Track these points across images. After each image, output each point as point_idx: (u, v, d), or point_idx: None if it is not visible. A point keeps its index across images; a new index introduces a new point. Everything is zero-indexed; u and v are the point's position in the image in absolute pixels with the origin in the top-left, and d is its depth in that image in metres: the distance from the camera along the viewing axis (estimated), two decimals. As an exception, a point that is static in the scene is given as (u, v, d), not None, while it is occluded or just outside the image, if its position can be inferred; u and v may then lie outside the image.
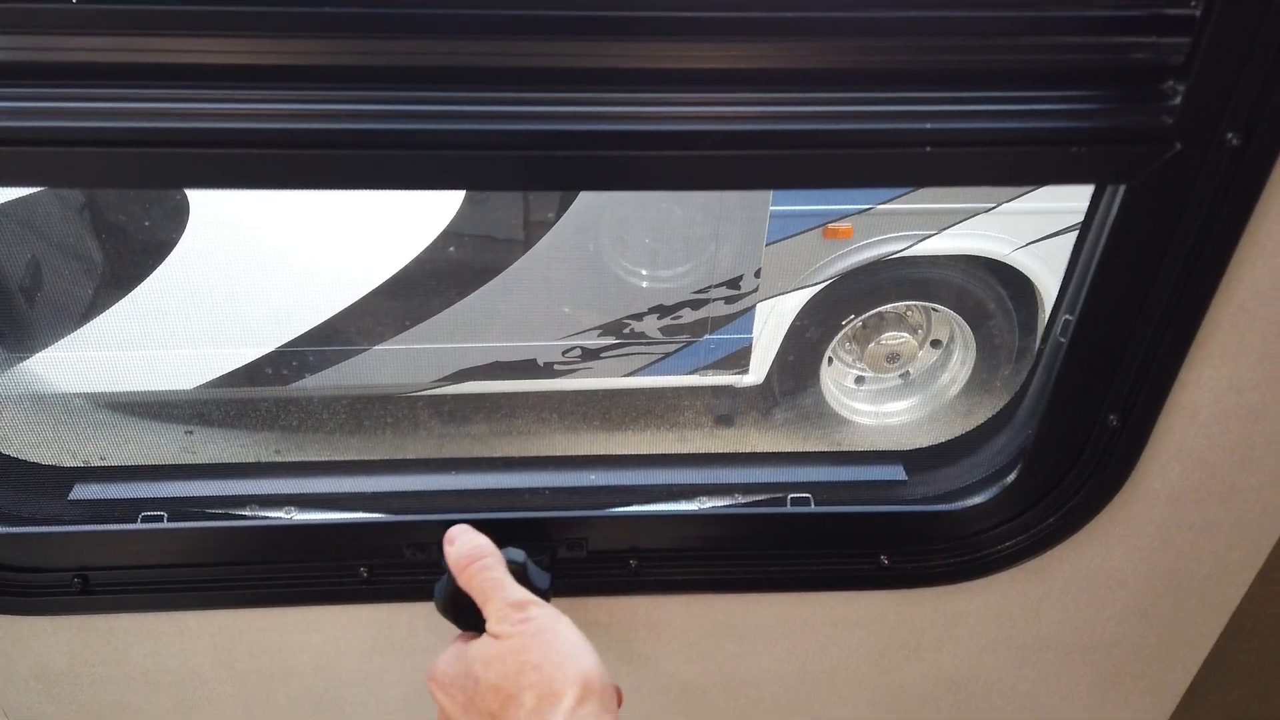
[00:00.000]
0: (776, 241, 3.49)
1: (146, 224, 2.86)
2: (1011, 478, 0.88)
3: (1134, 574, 0.94)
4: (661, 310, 3.44)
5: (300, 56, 0.63)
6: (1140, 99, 0.68)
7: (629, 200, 3.21)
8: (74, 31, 0.62)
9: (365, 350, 3.24)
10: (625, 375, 3.54)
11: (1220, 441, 0.84)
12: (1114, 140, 0.69)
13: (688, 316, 3.48)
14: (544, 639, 0.71)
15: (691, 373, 3.60)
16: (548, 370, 3.47)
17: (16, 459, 0.93)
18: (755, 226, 3.27)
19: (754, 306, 3.54)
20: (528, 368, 3.44)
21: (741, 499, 0.94)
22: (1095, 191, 0.77)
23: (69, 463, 0.96)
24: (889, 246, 3.51)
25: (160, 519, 0.89)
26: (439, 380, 3.39)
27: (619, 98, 0.66)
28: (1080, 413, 0.82)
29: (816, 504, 0.92)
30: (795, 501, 0.92)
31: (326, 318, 3.12)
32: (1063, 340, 0.80)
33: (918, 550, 0.92)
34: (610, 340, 3.45)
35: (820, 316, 3.62)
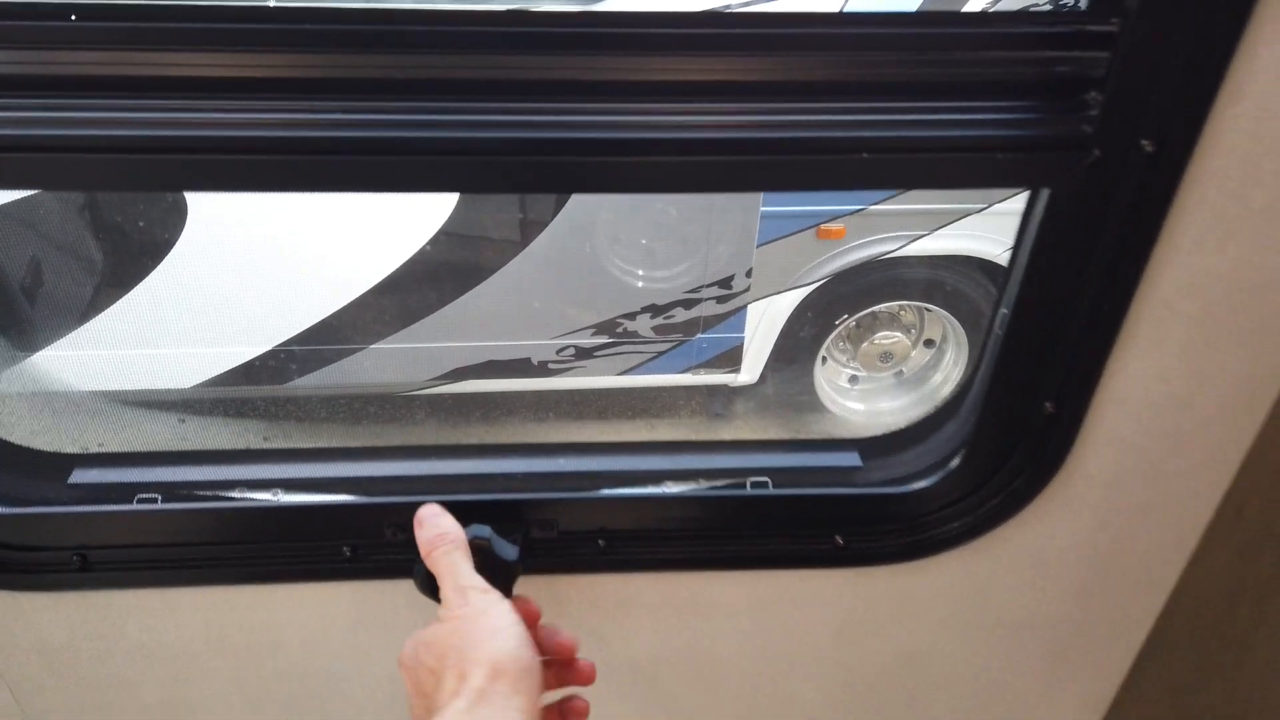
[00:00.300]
0: (769, 242, 3.55)
1: (142, 224, 2.93)
2: (956, 462, 0.94)
3: (1075, 554, 1.00)
4: (654, 309, 3.49)
5: (291, 69, 0.69)
6: (1063, 109, 0.74)
7: (622, 201, 3.27)
8: (74, 47, 0.68)
9: (361, 349, 3.30)
10: (619, 374, 3.60)
11: (1150, 428, 0.90)
12: (1039, 147, 0.75)
13: (680, 316, 3.53)
14: (471, 623, 0.75)
15: (684, 371, 3.66)
16: (542, 369, 3.53)
17: (19, 445, 0.99)
18: (747, 227, 3.33)
19: (746, 306, 3.60)
20: (522, 366, 3.50)
21: (705, 483, 1.00)
22: (1030, 196, 0.83)
23: (69, 449, 1.02)
24: (882, 247, 3.57)
25: (155, 501, 0.95)
26: (435, 379, 3.45)
27: (587, 108, 0.73)
28: (1017, 400, 0.88)
29: (775, 488, 0.98)
30: (754, 485, 0.98)
31: (322, 317, 3.18)
32: (1000, 333, 0.86)
33: (870, 531, 0.98)
34: (604, 339, 3.51)
35: (814, 316, 3.68)
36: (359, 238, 3.11)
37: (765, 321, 3.64)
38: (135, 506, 0.94)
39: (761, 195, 3.27)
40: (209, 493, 0.97)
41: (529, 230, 3.24)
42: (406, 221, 3.13)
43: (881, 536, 0.98)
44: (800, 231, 3.65)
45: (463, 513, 0.91)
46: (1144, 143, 0.73)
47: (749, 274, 3.47)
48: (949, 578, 1.02)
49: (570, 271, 3.34)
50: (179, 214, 2.91)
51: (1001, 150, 0.74)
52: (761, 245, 3.48)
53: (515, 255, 3.26)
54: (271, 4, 0.70)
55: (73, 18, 0.68)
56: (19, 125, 0.69)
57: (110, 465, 1.00)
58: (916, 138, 0.74)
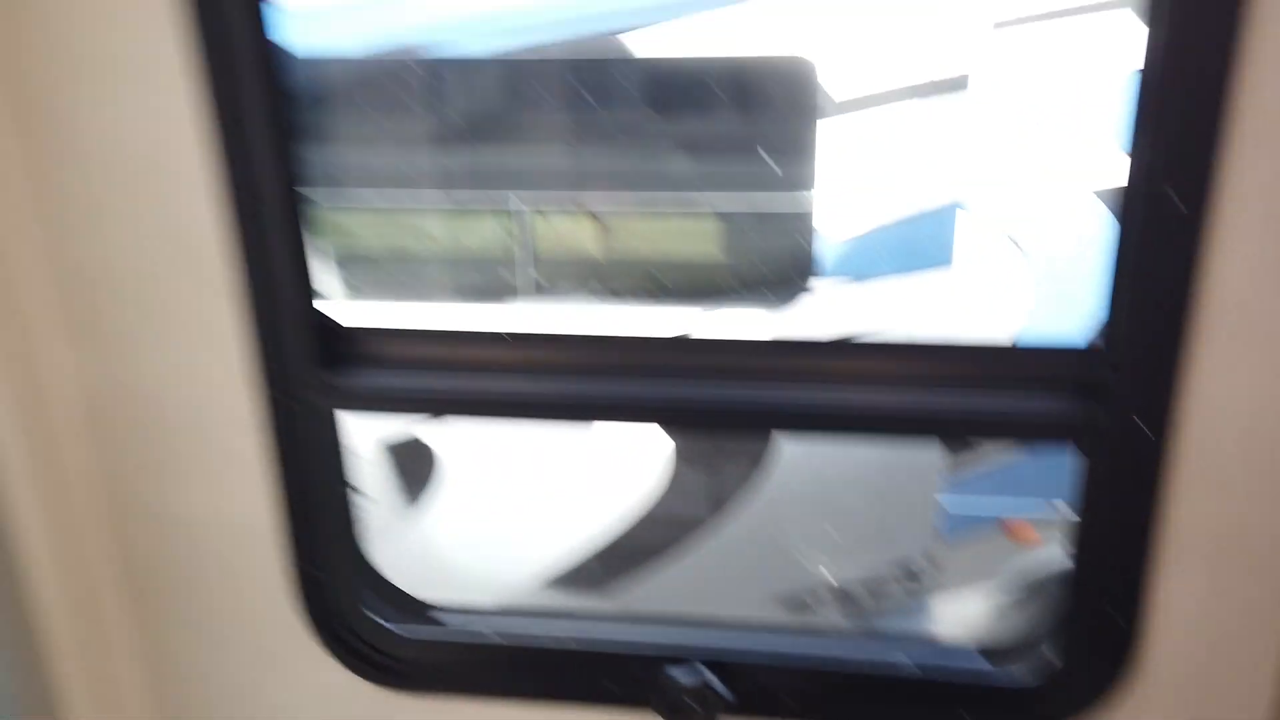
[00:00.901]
0: (955, 536, 3.89)
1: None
2: (1054, 664, 1.31)
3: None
4: (841, 596, 3.84)
5: (613, 360, 1.31)
6: (1093, 405, 1.21)
7: (807, 491, 3.76)
8: (509, 349, 1.33)
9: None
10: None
11: (1201, 639, 1.25)
12: (1078, 426, 1.21)
13: (866, 602, 3.84)
14: None
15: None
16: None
17: (403, 591, 1.57)
18: (925, 517, 3.70)
19: (932, 600, 3.88)
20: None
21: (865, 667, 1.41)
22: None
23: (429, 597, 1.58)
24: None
25: (486, 638, 1.48)
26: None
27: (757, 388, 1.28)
28: (1090, 615, 1.26)
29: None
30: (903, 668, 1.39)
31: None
32: (1071, 563, 1.27)
33: (991, 713, 1.34)
34: (787, 618, 3.86)
35: (1001, 610, 3.88)
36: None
37: (958, 616, 3.89)
38: (476, 639, 1.47)
39: (938, 486, 3.68)
40: (523, 635, 1.49)
41: (723, 512, 3.79)
42: (617, 502, 3.81)
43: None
44: (988, 532, 3.97)
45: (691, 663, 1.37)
46: (1142, 426, 1.18)
47: (934, 564, 3.78)
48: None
49: (755, 553, 3.82)
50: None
51: (1057, 425, 1.22)
52: (948, 540, 3.83)
53: (709, 536, 3.79)
54: (602, 335, 1.34)
55: (507, 338, 1.33)
56: (486, 385, 1.34)
57: (473, 613, 1.54)
58: (983, 412, 1.23)
